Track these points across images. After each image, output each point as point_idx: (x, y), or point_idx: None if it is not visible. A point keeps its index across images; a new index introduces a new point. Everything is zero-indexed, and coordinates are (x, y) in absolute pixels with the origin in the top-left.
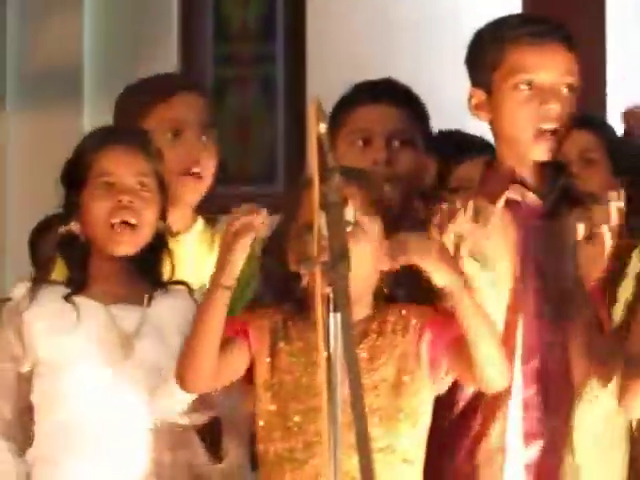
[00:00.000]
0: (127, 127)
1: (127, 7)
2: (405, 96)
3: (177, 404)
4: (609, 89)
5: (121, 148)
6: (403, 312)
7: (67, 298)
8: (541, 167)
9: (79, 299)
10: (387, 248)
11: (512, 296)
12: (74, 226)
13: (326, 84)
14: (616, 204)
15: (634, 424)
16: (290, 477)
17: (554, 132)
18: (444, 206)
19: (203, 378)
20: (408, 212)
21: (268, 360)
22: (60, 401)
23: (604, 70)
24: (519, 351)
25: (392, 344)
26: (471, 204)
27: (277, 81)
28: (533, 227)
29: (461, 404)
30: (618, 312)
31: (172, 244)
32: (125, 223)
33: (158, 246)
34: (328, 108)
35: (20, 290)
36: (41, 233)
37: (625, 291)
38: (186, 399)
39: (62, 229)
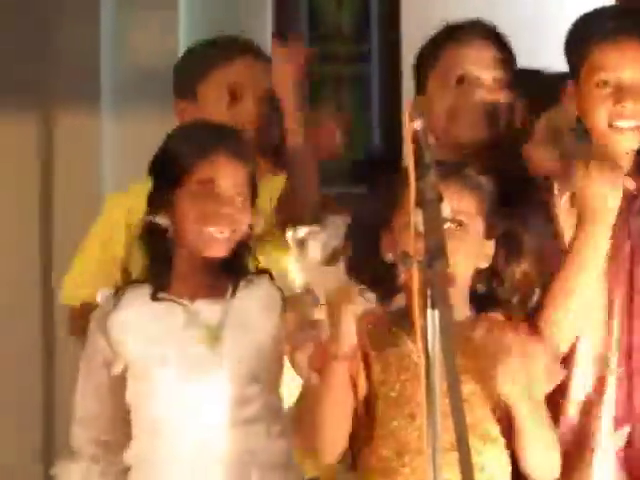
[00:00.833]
0: (228, 129)
1: (221, 5)
2: (497, 35)
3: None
4: None
5: (226, 157)
6: (508, 326)
7: (153, 297)
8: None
9: (163, 296)
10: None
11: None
12: (162, 219)
13: None
14: None
15: None
16: None
17: (634, 129)
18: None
19: (342, 447)
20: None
21: (364, 374)
22: (152, 400)
23: None
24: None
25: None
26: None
27: (372, 80)
28: (628, 215)
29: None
30: None
31: None
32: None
33: (242, 242)
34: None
35: (105, 295)
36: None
37: None
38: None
39: (148, 219)
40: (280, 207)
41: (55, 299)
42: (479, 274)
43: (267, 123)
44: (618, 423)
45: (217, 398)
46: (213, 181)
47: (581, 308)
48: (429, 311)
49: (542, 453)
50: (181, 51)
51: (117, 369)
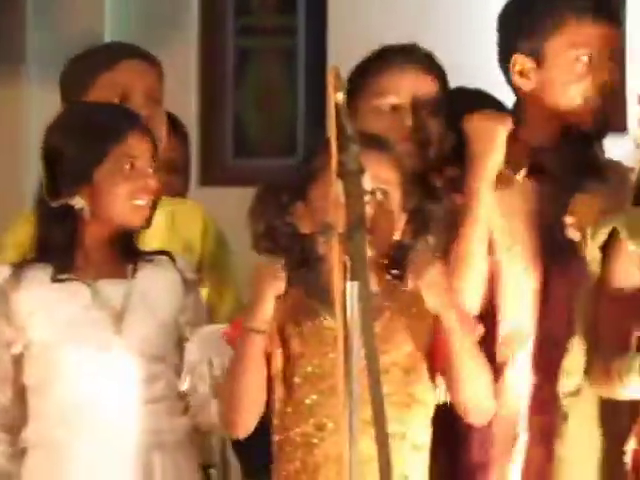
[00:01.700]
0: (132, 110)
1: None
2: (431, 61)
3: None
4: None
5: (140, 135)
6: (421, 295)
7: (53, 279)
8: (564, 138)
9: (67, 277)
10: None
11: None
12: (77, 201)
13: (346, 56)
14: None
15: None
16: (300, 462)
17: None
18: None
19: (254, 419)
20: (429, 181)
21: (279, 350)
22: (54, 382)
23: None
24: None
25: (406, 326)
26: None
27: (298, 53)
28: (555, 196)
29: None
30: None
31: None
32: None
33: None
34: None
35: (3, 274)
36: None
37: None
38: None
39: (60, 202)
40: None
41: None
42: (392, 245)
43: (156, 123)
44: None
45: (122, 377)
46: (133, 157)
47: (474, 275)
48: (348, 283)
49: (475, 378)
50: (106, 23)
51: (17, 349)
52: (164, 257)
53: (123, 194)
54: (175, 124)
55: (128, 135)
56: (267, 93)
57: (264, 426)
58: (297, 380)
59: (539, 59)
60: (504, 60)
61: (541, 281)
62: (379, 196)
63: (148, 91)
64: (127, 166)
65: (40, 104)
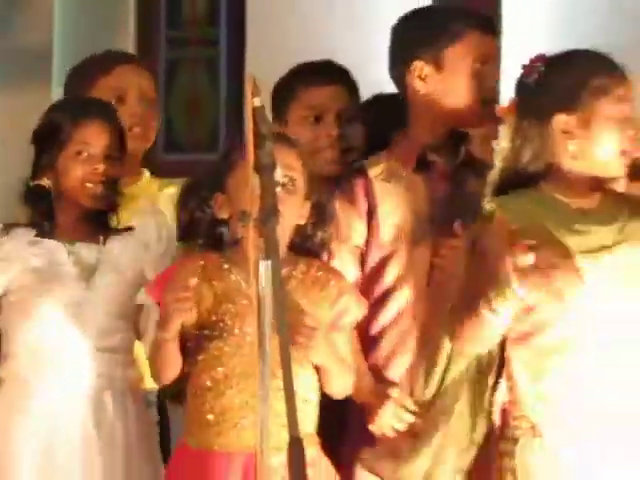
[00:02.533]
0: (98, 101)
1: None
2: (347, 76)
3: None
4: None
5: (98, 123)
6: (323, 269)
7: (39, 235)
8: (447, 136)
9: (46, 239)
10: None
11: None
12: (45, 181)
13: (263, 65)
14: None
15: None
16: (209, 403)
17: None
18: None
19: (173, 375)
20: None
21: (194, 306)
22: (25, 325)
23: None
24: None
25: (308, 294)
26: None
27: (220, 62)
28: (442, 188)
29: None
30: None
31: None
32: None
33: (112, 197)
34: (265, 85)
35: None
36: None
37: None
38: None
39: (32, 183)
40: None
41: None
42: (297, 230)
43: (149, 121)
44: None
45: (86, 328)
46: (87, 143)
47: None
48: (262, 261)
49: (343, 377)
50: (55, 35)
51: None
52: (131, 231)
53: (75, 177)
54: None
55: (84, 126)
56: (193, 97)
57: None
58: (208, 333)
59: (438, 66)
60: (401, 65)
61: (430, 262)
62: (288, 183)
63: (141, 93)
64: (84, 153)
65: None
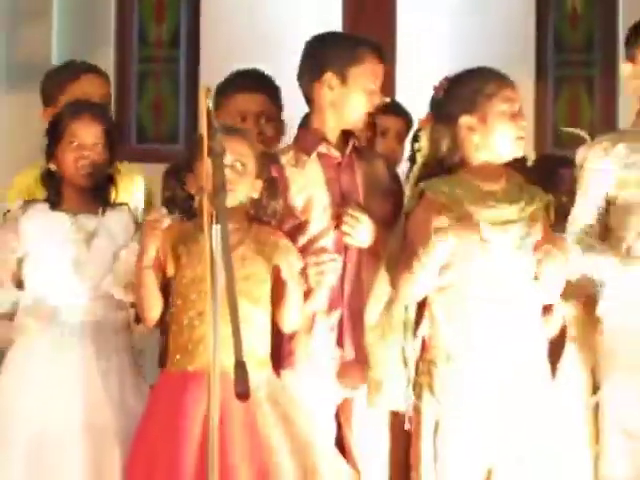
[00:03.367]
0: (91, 102)
1: (81, 19)
2: (269, 83)
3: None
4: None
5: (87, 119)
6: (273, 233)
7: (51, 208)
8: (340, 134)
9: (58, 209)
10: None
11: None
12: (52, 165)
13: (214, 76)
14: None
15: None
16: (187, 336)
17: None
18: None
19: (157, 314)
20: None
21: (173, 261)
22: (34, 278)
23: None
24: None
25: (262, 250)
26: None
27: (180, 74)
28: (336, 172)
29: None
30: None
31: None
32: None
33: (106, 176)
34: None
35: (18, 204)
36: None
37: None
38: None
39: (46, 166)
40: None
41: None
42: (254, 202)
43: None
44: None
45: (85, 279)
46: (76, 136)
47: None
48: (214, 225)
49: (297, 309)
50: (54, 51)
51: (19, 254)
52: (124, 206)
53: (69, 162)
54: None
55: (75, 121)
56: (159, 100)
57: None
58: (184, 281)
59: (344, 79)
60: (313, 74)
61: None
62: (239, 166)
63: (100, 96)
64: (75, 143)
65: None
